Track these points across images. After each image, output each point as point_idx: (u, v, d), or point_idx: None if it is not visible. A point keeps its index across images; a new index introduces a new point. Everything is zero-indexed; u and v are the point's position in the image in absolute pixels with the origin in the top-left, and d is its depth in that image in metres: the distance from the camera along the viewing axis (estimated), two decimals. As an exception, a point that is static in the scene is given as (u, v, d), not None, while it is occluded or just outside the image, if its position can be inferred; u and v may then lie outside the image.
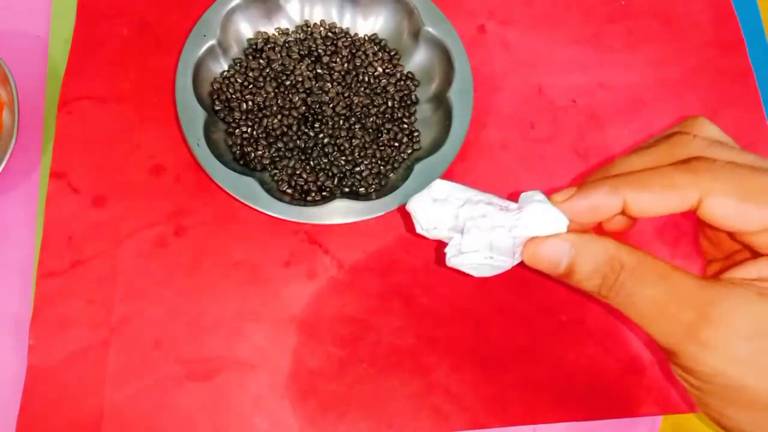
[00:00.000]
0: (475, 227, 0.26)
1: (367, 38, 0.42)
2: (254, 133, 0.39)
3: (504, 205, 0.27)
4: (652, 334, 0.24)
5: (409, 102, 0.41)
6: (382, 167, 0.40)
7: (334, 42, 0.42)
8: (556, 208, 0.26)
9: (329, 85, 0.41)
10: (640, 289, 0.24)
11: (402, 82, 0.42)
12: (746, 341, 0.23)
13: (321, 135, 0.40)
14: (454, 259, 0.27)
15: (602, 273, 0.25)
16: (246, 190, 0.36)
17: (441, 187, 0.28)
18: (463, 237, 0.27)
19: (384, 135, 0.40)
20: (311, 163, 0.39)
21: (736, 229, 0.24)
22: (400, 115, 0.41)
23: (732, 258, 0.28)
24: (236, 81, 0.40)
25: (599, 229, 0.28)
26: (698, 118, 0.27)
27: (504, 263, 0.27)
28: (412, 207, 0.28)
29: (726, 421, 0.25)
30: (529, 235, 0.26)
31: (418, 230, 0.29)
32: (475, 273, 0.27)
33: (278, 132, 0.40)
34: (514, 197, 0.28)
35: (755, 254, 0.25)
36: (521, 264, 0.27)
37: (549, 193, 0.27)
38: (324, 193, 0.39)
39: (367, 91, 0.41)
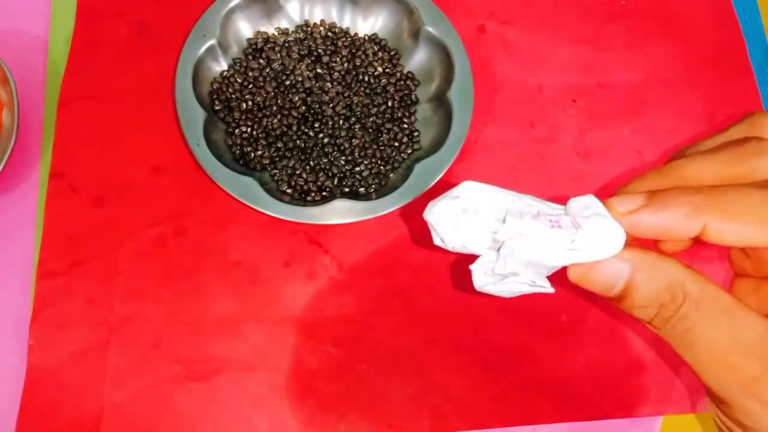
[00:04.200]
0: (519, 248, 0.21)
1: (367, 38, 0.42)
2: (254, 132, 0.39)
3: (554, 218, 0.22)
4: (703, 379, 0.22)
5: (409, 102, 0.41)
6: (382, 167, 0.40)
7: (334, 42, 0.42)
8: (617, 222, 0.21)
9: (329, 85, 0.41)
10: (701, 328, 0.21)
11: (402, 82, 0.41)
12: None
13: (321, 135, 0.40)
14: (489, 286, 0.22)
15: (661, 302, 0.21)
16: (246, 190, 0.36)
17: (472, 191, 0.22)
18: (500, 257, 0.22)
19: (384, 135, 0.40)
20: (311, 163, 0.39)
21: None
22: (400, 115, 0.41)
23: None
24: (236, 81, 0.40)
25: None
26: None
27: (545, 286, 0.22)
28: (434, 218, 0.22)
29: None
30: (586, 260, 0.21)
31: (438, 243, 0.23)
32: (506, 295, 0.23)
33: (278, 132, 0.40)
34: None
35: None
36: None
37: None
38: (324, 193, 0.39)
39: (367, 91, 0.41)
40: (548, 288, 0.22)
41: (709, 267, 0.40)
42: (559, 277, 0.24)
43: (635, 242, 0.22)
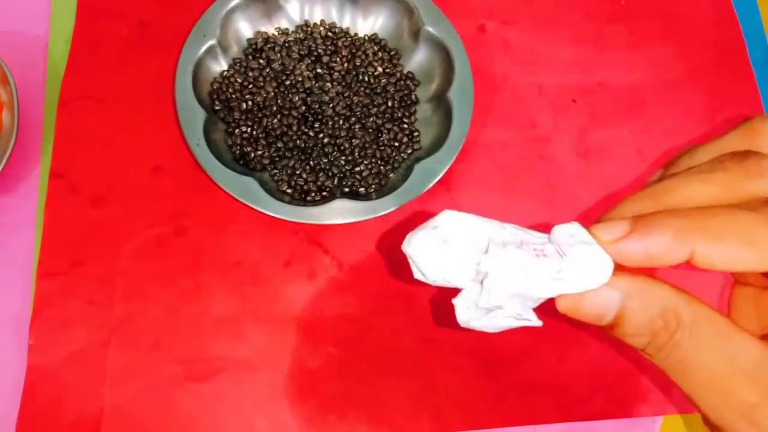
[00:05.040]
0: (503, 279, 0.20)
1: (367, 38, 0.42)
2: (254, 132, 0.39)
3: (538, 247, 0.20)
4: (699, 406, 0.21)
5: (409, 102, 0.41)
6: (382, 167, 0.40)
7: (334, 42, 0.42)
8: (603, 250, 0.20)
9: (329, 85, 0.41)
10: (696, 354, 0.20)
11: (402, 82, 0.41)
12: None
13: (321, 135, 0.40)
14: (473, 321, 0.21)
15: (654, 329, 0.20)
16: (246, 190, 0.36)
17: (451, 222, 0.21)
18: (484, 290, 0.20)
19: (384, 135, 0.40)
20: (311, 163, 0.39)
21: None
22: (400, 115, 0.41)
23: None
24: (236, 81, 0.40)
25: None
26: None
27: (531, 319, 0.21)
28: (413, 250, 0.22)
29: None
30: (574, 291, 0.20)
31: (418, 277, 0.22)
32: (491, 330, 0.22)
33: (278, 132, 0.40)
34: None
35: None
36: None
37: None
38: (324, 193, 0.39)
39: (367, 91, 0.41)
40: (535, 321, 0.21)
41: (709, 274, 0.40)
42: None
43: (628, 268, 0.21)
